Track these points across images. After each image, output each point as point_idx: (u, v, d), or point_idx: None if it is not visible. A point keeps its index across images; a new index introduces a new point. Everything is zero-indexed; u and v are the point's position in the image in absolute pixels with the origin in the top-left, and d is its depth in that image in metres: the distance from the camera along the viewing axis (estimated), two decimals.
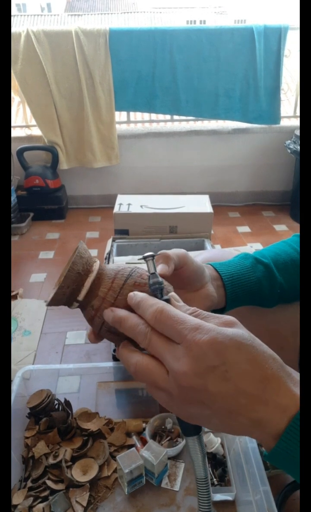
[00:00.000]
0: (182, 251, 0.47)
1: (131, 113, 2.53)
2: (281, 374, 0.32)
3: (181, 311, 0.35)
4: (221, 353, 0.31)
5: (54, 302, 0.39)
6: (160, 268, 0.43)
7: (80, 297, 0.39)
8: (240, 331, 0.33)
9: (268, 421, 0.31)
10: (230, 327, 0.33)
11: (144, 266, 0.46)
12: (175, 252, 0.46)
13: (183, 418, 0.36)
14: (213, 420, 0.33)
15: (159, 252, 0.45)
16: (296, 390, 0.32)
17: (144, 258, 0.39)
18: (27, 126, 2.44)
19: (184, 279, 0.48)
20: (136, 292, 0.38)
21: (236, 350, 0.32)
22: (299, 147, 2.22)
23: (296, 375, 0.33)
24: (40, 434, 0.92)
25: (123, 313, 0.37)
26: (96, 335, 0.41)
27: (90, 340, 0.43)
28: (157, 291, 0.38)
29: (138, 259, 0.40)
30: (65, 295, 0.39)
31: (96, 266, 0.40)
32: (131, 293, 0.38)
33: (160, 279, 0.38)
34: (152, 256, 0.39)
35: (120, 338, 0.39)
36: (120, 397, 1.04)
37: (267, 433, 0.32)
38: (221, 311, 0.56)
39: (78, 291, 0.39)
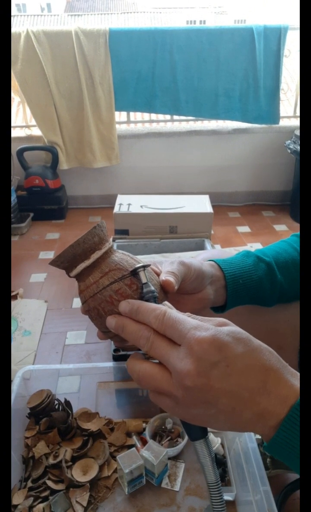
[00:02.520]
0: (186, 266, 0.47)
1: (131, 113, 2.53)
2: (279, 365, 0.33)
3: (181, 314, 0.36)
4: (221, 349, 0.32)
5: (53, 265, 0.41)
6: (167, 278, 0.43)
7: (71, 274, 0.42)
8: (234, 328, 0.34)
9: (269, 412, 0.32)
10: (225, 326, 0.34)
11: (151, 264, 0.46)
12: (180, 271, 0.46)
13: (188, 421, 0.36)
14: (218, 419, 0.34)
15: (166, 270, 0.45)
16: (293, 380, 0.33)
17: (136, 269, 0.40)
18: (27, 126, 2.44)
19: (182, 288, 0.48)
20: (130, 300, 0.38)
21: (234, 345, 0.32)
22: (299, 147, 2.22)
23: (291, 367, 0.34)
24: (40, 434, 0.92)
25: (125, 320, 0.38)
26: (84, 312, 0.43)
27: (99, 338, 0.44)
28: (150, 300, 0.39)
29: (131, 272, 0.40)
30: (59, 266, 0.41)
31: (95, 255, 0.41)
32: (124, 301, 0.38)
33: (152, 288, 0.39)
34: (144, 267, 0.40)
35: (97, 322, 0.41)
36: (120, 397, 1.04)
37: (269, 425, 0.32)
38: (221, 309, 0.56)
39: (71, 269, 0.41)
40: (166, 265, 0.47)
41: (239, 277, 0.55)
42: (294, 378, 0.33)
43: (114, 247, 0.44)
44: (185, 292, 0.49)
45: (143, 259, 0.43)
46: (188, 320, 0.34)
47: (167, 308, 0.36)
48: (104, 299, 0.39)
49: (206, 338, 0.32)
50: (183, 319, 0.34)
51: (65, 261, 0.40)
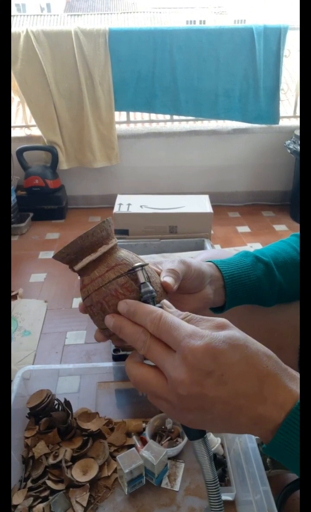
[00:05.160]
0: (186, 264, 0.47)
1: (131, 113, 2.53)
2: (277, 370, 0.33)
3: (177, 318, 0.35)
4: (216, 358, 0.32)
5: (56, 258, 0.41)
6: (166, 280, 0.43)
7: (76, 268, 0.41)
8: (232, 332, 0.34)
9: (266, 418, 0.32)
10: (222, 330, 0.34)
11: (152, 264, 0.46)
12: (181, 269, 0.46)
13: (185, 424, 0.36)
14: (215, 423, 0.34)
15: (167, 268, 0.45)
16: (292, 385, 0.32)
17: (134, 269, 0.39)
18: (27, 126, 2.44)
19: (182, 287, 0.48)
20: (128, 300, 0.38)
21: (230, 353, 0.32)
22: (299, 147, 2.22)
23: (292, 370, 0.34)
24: (40, 434, 0.92)
25: (123, 321, 0.37)
26: (83, 309, 0.42)
27: (96, 339, 0.44)
28: (148, 300, 0.39)
29: (128, 271, 0.40)
30: (64, 259, 0.41)
31: (103, 249, 0.40)
32: (122, 301, 0.38)
33: (151, 288, 0.39)
34: (142, 266, 0.40)
35: (98, 317, 0.41)
36: (120, 397, 1.04)
37: (266, 429, 0.32)
38: (220, 309, 0.56)
39: (76, 262, 0.41)
40: (166, 264, 0.47)
41: (237, 277, 0.55)
42: (292, 382, 0.33)
43: None
44: (185, 291, 0.49)
45: (144, 259, 0.43)
46: (183, 326, 0.34)
47: (163, 311, 0.36)
48: (110, 292, 0.39)
49: (200, 347, 0.32)
50: (178, 325, 0.34)
51: (72, 253, 0.40)
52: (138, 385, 0.36)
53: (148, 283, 0.39)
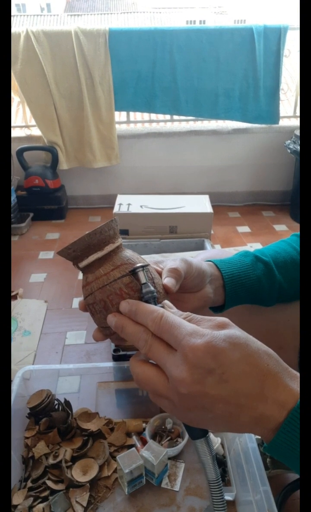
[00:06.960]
0: (187, 263, 0.48)
1: (131, 113, 2.53)
2: (278, 369, 0.33)
3: (178, 317, 0.35)
4: (216, 357, 0.32)
5: (61, 254, 0.41)
6: (167, 281, 0.44)
7: (81, 265, 0.41)
8: (232, 331, 0.34)
9: (267, 417, 0.32)
10: (223, 329, 0.34)
11: (153, 263, 0.46)
12: (183, 268, 0.46)
13: (187, 423, 0.36)
14: (216, 422, 0.34)
15: (169, 266, 0.46)
16: (293, 384, 0.32)
17: (135, 269, 0.40)
18: (27, 126, 2.44)
19: (183, 286, 0.48)
20: (129, 300, 0.38)
21: (230, 352, 0.32)
22: (299, 147, 2.22)
23: (292, 369, 0.34)
24: (40, 434, 0.92)
25: (125, 320, 0.38)
26: (84, 307, 0.43)
27: (95, 338, 0.44)
28: (150, 300, 0.39)
29: (129, 271, 0.40)
30: (69, 255, 0.41)
31: (109, 247, 0.41)
32: (124, 301, 0.38)
33: (152, 288, 0.39)
34: (143, 266, 0.40)
35: (100, 315, 0.41)
36: (120, 397, 1.04)
37: (267, 428, 0.32)
38: (220, 308, 0.56)
39: (81, 259, 0.41)
40: (168, 262, 0.47)
41: (236, 277, 0.55)
42: (293, 381, 0.33)
43: None
44: (186, 290, 0.49)
45: (145, 259, 0.43)
46: (184, 325, 0.34)
47: (164, 311, 0.36)
48: (114, 291, 0.39)
49: (200, 345, 0.32)
50: (179, 324, 0.34)
51: (78, 250, 0.40)
52: (140, 383, 0.36)
53: (149, 284, 0.39)
